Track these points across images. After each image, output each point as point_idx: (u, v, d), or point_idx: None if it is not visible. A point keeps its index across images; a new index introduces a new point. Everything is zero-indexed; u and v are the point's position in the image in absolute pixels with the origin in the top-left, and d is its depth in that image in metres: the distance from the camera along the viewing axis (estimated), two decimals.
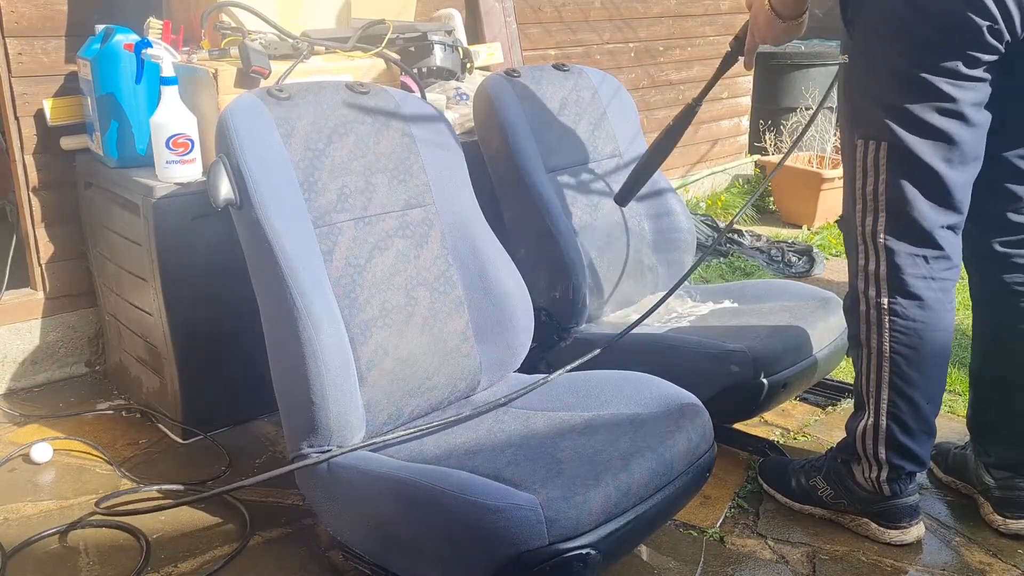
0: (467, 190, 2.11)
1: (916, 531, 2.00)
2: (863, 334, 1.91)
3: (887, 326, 1.86)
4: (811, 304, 2.47)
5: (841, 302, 2.51)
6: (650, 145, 2.29)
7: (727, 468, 2.29)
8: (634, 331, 2.41)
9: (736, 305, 2.55)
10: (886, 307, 1.86)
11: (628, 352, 2.19)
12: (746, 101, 5.09)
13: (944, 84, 1.71)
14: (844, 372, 2.80)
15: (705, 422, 1.80)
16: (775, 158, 4.77)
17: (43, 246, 2.66)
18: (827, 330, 2.38)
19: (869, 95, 1.81)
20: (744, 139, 5.15)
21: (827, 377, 2.61)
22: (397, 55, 2.56)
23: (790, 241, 4.17)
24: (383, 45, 2.48)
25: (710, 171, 4.89)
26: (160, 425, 2.46)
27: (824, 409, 2.63)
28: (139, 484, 2.18)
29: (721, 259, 3.88)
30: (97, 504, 2.07)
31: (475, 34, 3.46)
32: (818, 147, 4.72)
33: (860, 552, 2.00)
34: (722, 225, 4.22)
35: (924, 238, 1.83)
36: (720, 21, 4.73)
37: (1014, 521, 2.03)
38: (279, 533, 2.01)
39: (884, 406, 1.90)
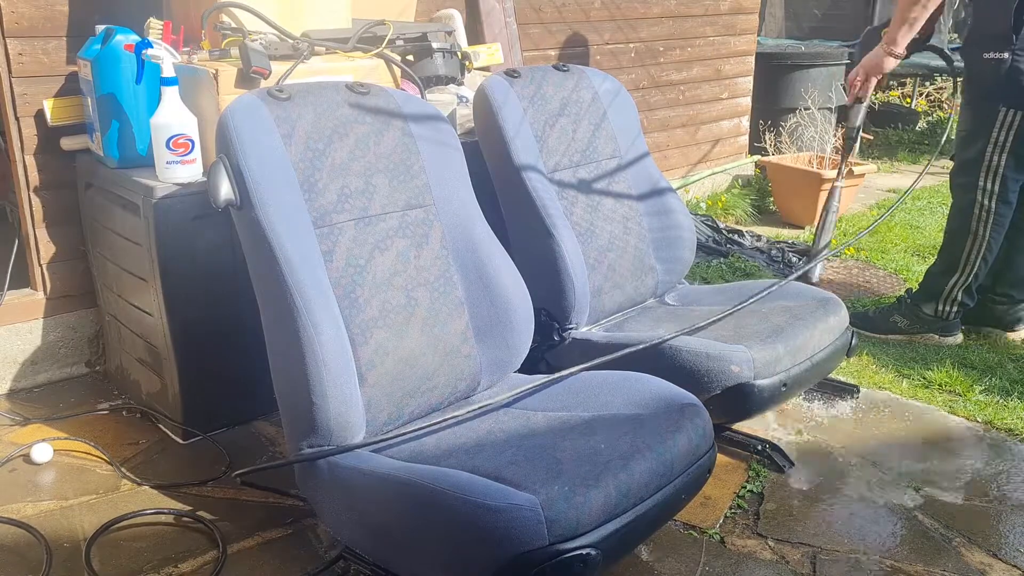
0: (467, 190, 2.11)
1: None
2: None
3: None
4: (811, 304, 2.47)
5: (841, 302, 2.52)
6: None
7: (727, 468, 2.29)
8: (631, 334, 2.41)
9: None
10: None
11: (628, 354, 2.19)
12: (746, 101, 5.09)
13: None
14: (844, 372, 2.80)
15: (705, 422, 1.80)
16: (775, 158, 4.76)
17: (43, 246, 2.66)
18: (827, 331, 2.38)
19: None
20: (744, 139, 5.15)
21: (828, 377, 2.61)
22: (397, 56, 2.56)
23: (790, 241, 4.17)
24: (383, 46, 2.48)
25: (710, 171, 4.89)
26: (160, 425, 2.46)
27: (825, 403, 2.63)
28: (140, 484, 2.18)
29: (721, 259, 3.88)
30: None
31: (476, 34, 3.46)
32: (818, 147, 4.72)
33: (860, 552, 2.00)
34: (722, 225, 4.22)
35: None
36: (720, 22, 4.73)
37: None
38: (279, 533, 2.01)
39: None
